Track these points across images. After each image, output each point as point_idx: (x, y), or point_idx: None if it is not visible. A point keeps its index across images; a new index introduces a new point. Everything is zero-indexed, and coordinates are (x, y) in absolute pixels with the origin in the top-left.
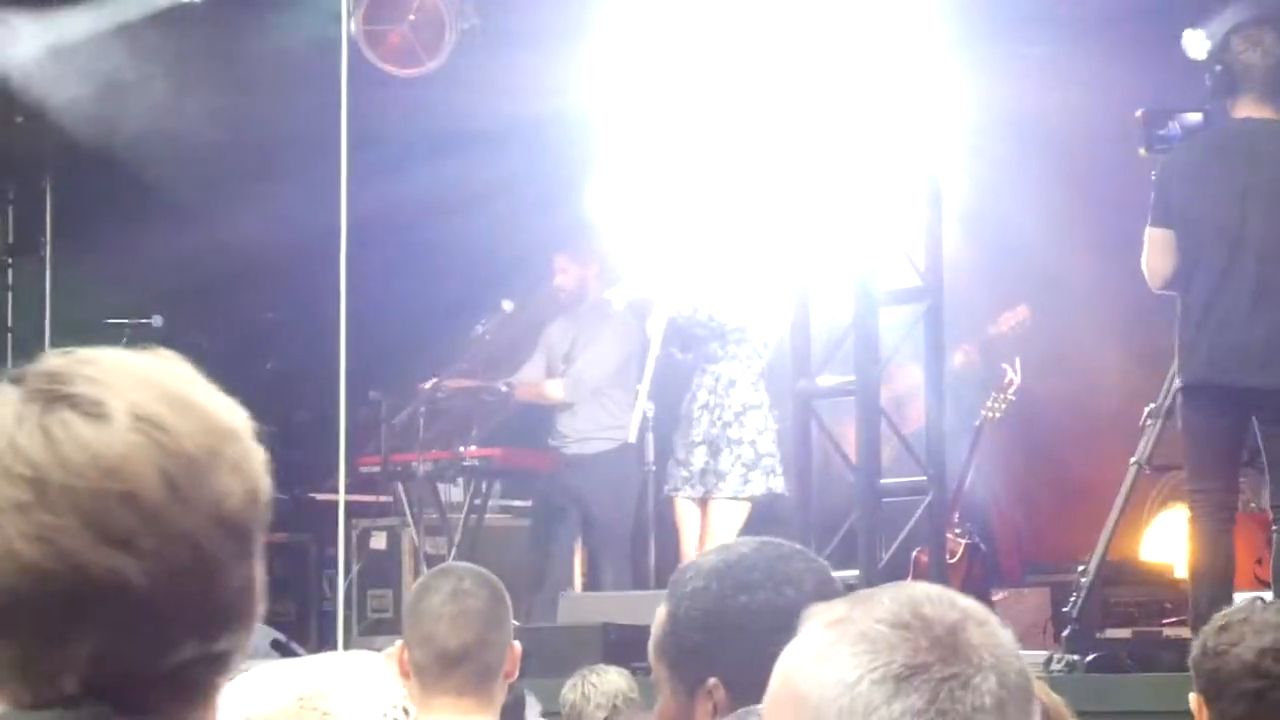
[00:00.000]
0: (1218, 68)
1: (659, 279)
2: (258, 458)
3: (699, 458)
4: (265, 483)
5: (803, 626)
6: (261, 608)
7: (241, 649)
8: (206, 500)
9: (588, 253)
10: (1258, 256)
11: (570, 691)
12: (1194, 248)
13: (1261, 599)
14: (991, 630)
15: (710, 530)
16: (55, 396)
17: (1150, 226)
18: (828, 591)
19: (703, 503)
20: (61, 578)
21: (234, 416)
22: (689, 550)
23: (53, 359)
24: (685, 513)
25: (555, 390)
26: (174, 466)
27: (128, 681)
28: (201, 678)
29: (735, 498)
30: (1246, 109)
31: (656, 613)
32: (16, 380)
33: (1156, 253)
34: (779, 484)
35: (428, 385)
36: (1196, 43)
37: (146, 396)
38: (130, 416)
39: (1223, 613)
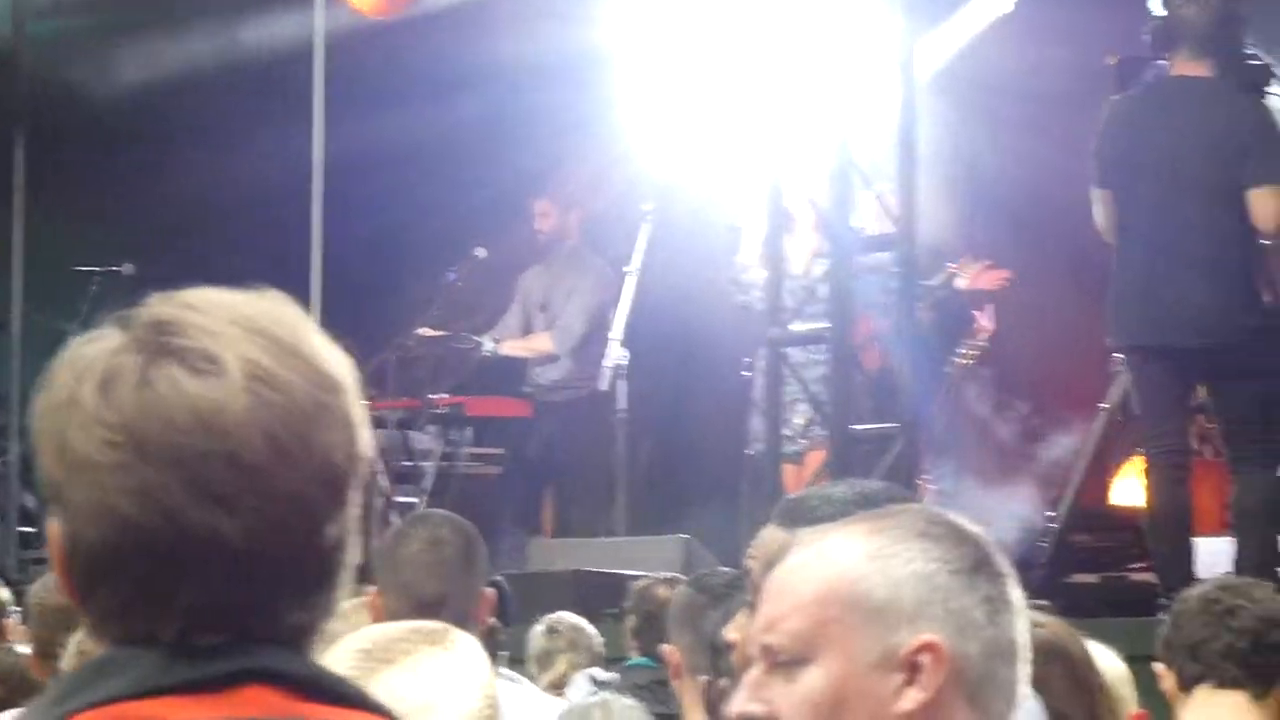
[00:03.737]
0: (1158, 22)
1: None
2: (360, 410)
3: (798, 416)
4: (366, 435)
5: (803, 545)
6: (354, 559)
7: (335, 602)
8: (310, 457)
9: (569, 197)
10: (1184, 219)
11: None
12: (1124, 208)
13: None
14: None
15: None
16: (163, 349)
17: (1093, 185)
18: None
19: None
20: (160, 533)
21: (341, 367)
22: None
23: (163, 305)
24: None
25: (545, 344)
26: (281, 425)
27: (226, 632)
28: (296, 630)
29: None
30: (1182, 66)
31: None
32: (123, 324)
33: (1100, 211)
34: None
35: (399, 337)
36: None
37: (258, 349)
38: (242, 374)
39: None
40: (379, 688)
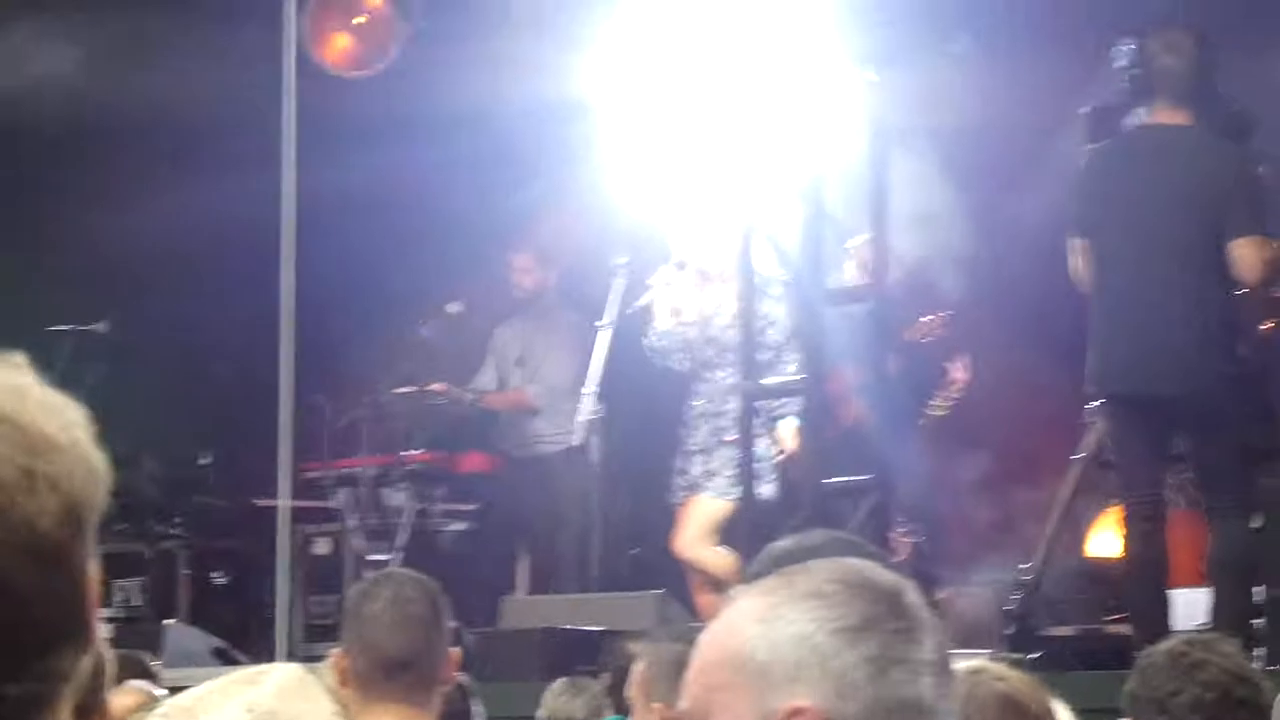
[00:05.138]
0: (1136, 71)
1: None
2: (85, 466)
3: (696, 465)
4: (91, 492)
5: (725, 607)
6: (93, 619)
7: (73, 667)
8: (9, 527)
9: (551, 254)
10: (1164, 267)
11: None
12: (1103, 256)
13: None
14: (921, 598)
15: (687, 524)
16: None
17: (1069, 234)
18: None
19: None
20: None
21: (61, 426)
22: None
23: None
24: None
25: (527, 399)
26: None
27: None
28: (17, 705)
29: (719, 496)
30: (1161, 115)
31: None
32: None
33: (1076, 260)
34: (768, 489)
35: (372, 394)
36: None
37: None
38: None
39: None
40: None
